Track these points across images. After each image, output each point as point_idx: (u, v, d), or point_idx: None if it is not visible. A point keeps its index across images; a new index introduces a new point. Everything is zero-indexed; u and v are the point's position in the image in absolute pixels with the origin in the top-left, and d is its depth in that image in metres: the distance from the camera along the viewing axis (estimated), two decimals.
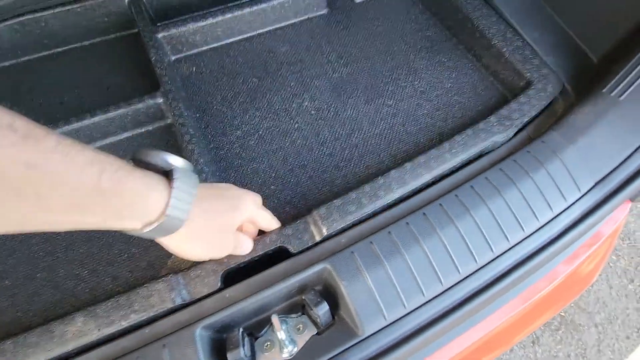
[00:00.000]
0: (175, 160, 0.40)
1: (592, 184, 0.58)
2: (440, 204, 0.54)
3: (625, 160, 0.58)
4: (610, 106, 0.59)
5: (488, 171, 0.58)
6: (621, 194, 0.57)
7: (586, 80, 0.66)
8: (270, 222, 0.52)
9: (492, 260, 0.52)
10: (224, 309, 0.47)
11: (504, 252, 0.53)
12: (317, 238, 0.53)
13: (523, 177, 0.56)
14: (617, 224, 0.66)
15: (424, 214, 0.53)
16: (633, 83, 0.57)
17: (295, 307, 0.52)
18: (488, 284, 0.51)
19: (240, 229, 0.50)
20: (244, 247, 0.50)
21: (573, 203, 0.57)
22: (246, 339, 0.47)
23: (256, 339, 0.48)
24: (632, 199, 0.69)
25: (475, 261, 0.51)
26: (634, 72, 0.57)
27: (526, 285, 0.57)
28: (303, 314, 0.51)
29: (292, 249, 0.52)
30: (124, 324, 0.46)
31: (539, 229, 0.54)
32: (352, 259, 0.49)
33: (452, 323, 0.48)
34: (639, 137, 0.57)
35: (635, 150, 0.57)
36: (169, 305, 0.47)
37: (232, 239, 0.47)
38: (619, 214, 0.66)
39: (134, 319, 0.46)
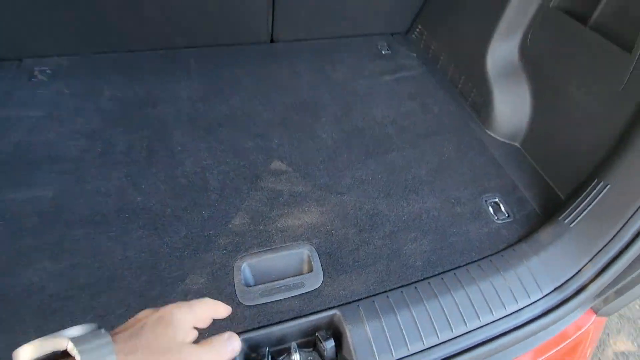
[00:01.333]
0: (73, 332, 0.34)
1: (552, 288, 0.74)
2: (429, 283, 0.73)
3: (576, 273, 0.75)
4: (565, 231, 0.78)
5: (469, 265, 0.76)
6: (576, 299, 0.73)
7: (553, 209, 0.87)
8: (215, 310, 0.47)
9: (465, 333, 0.67)
10: (258, 328, 0.65)
11: (476, 329, 0.68)
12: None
13: (495, 274, 0.74)
14: (583, 331, 0.79)
15: (415, 287, 0.72)
16: (579, 216, 0.77)
17: (309, 343, 0.68)
18: (460, 351, 0.66)
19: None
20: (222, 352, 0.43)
21: (535, 301, 0.73)
22: (269, 357, 0.63)
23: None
24: (596, 312, 0.83)
25: (452, 331, 0.67)
26: (578, 209, 0.78)
27: None
28: (314, 350, 0.68)
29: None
30: None
31: (506, 316, 0.70)
32: (357, 310, 0.67)
33: None
34: (585, 255, 0.75)
35: (583, 267, 0.75)
36: None
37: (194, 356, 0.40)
38: (583, 321, 0.80)
39: None
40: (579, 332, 0.80)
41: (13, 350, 0.58)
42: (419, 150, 1.03)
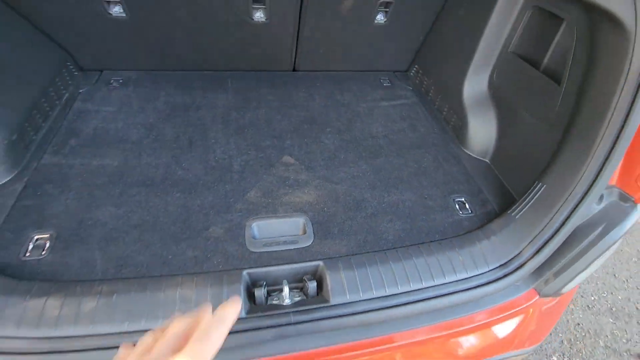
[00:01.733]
0: None
1: (497, 265, 0.93)
2: (397, 251, 0.92)
3: (518, 254, 0.93)
4: (511, 221, 0.98)
5: (431, 242, 0.96)
6: (516, 274, 0.91)
7: (508, 205, 1.07)
8: (227, 321, 0.41)
9: (420, 289, 0.86)
10: (259, 267, 0.86)
11: (429, 287, 0.87)
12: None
13: (452, 250, 0.93)
14: (524, 306, 0.95)
15: (385, 253, 0.91)
16: (522, 209, 0.97)
17: (297, 288, 0.88)
18: (415, 301, 0.84)
19: None
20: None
21: (482, 273, 0.91)
22: (265, 289, 0.84)
23: (270, 294, 0.84)
24: (539, 292, 1.00)
25: (410, 285, 0.85)
26: (523, 204, 0.98)
27: (443, 318, 0.88)
28: (301, 290, 0.87)
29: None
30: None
31: (455, 281, 0.89)
32: (337, 263, 0.88)
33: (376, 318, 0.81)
34: (526, 239, 0.94)
35: (523, 248, 0.93)
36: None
37: None
38: (527, 299, 0.96)
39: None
40: (521, 307, 0.96)
41: (84, 264, 0.82)
42: (403, 158, 1.26)
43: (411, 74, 1.73)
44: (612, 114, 0.83)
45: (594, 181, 0.87)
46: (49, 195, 0.97)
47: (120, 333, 0.72)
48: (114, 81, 1.41)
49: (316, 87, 1.58)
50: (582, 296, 2.07)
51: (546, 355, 1.81)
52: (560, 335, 1.88)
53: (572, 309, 2.00)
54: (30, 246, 0.86)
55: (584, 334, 1.90)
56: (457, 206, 1.12)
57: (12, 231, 0.88)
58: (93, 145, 1.14)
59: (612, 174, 0.90)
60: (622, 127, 0.82)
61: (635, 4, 0.77)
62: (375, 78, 1.69)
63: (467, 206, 1.12)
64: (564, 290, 0.99)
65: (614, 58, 0.83)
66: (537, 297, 0.99)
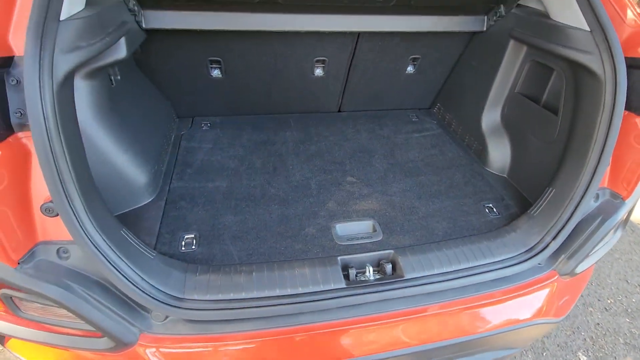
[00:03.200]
0: None
1: (523, 250, 1.23)
2: (445, 242, 1.24)
3: (539, 241, 1.24)
4: (531, 218, 1.29)
5: (470, 236, 1.28)
6: (539, 255, 1.21)
7: (527, 210, 1.38)
8: None
9: (466, 268, 1.16)
10: (347, 254, 1.18)
11: (474, 266, 1.17)
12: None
13: (487, 240, 1.24)
14: (548, 282, 1.24)
15: (437, 243, 1.23)
16: (539, 209, 1.29)
17: (376, 270, 1.19)
18: (460, 277, 1.14)
19: None
20: None
21: (512, 257, 1.21)
22: (355, 270, 1.14)
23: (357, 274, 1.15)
24: (559, 272, 1.29)
25: (459, 264, 1.16)
26: (539, 204, 1.29)
27: (485, 289, 1.17)
28: (379, 272, 1.18)
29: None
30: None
31: (491, 262, 1.18)
32: (404, 251, 1.19)
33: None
34: (544, 230, 1.24)
35: (542, 237, 1.23)
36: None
37: None
38: (549, 277, 1.25)
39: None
40: (545, 282, 1.25)
41: (225, 253, 1.16)
42: (438, 176, 1.60)
43: (434, 110, 2.12)
44: (597, 135, 1.17)
45: (589, 184, 1.20)
46: (185, 209, 1.32)
47: (261, 298, 1.03)
48: (204, 125, 1.81)
49: (360, 124, 1.97)
50: (599, 300, 2.30)
51: (572, 351, 2.02)
52: (582, 333, 2.10)
53: (591, 311, 2.23)
54: (184, 243, 1.19)
55: (604, 332, 2.11)
56: (486, 210, 1.44)
57: (169, 233, 1.22)
58: (204, 173, 1.50)
59: (603, 179, 1.23)
60: (604, 144, 1.16)
61: (602, 60, 1.14)
62: (405, 115, 2.08)
63: (494, 210, 1.44)
64: (578, 270, 1.28)
65: (593, 96, 1.19)
66: (557, 276, 1.28)
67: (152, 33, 1.36)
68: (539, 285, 1.24)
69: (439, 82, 2.01)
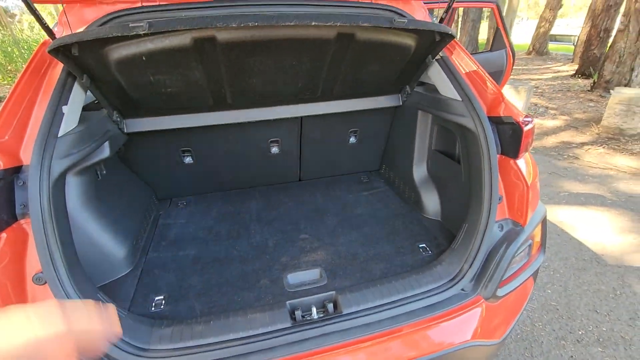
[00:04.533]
0: None
1: (448, 279, 1.44)
2: (382, 281, 1.45)
3: (459, 270, 1.45)
4: (453, 251, 1.52)
5: (404, 273, 1.49)
6: (457, 285, 1.41)
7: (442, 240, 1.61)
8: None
9: (402, 298, 1.35)
10: (296, 299, 1.38)
11: (407, 297, 1.36)
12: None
13: (418, 274, 1.45)
14: (473, 307, 1.41)
15: (374, 282, 1.44)
16: (458, 241, 1.52)
17: (321, 310, 1.37)
18: (398, 306, 1.33)
19: None
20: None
21: (439, 286, 1.41)
22: (300, 312, 1.33)
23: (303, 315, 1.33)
24: (484, 297, 1.47)
25: (396, 295, 1.35)
26: (458, 237, 1.53)
27: (417, 317, 1.34)
28: (323, 311, 1.37)
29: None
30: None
31: (422, 292, 1.38)
32: (345, 292, 1.39)
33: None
34: (462, 260, 1.46)
35: (462, 266, 1.45)
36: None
37: None
38: (474, 303, 1.43)
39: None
40: (471, 307, 1.42)
41: (188, 309, 1.38)
42: (380, 226, 1.86)
43: (382, 171, 2.46)
44: (484, 177, 1.47)
45: (488, 217, 1.46)
46: (157, 275, 1.54)
47: (216, 342, 1.20)
48: (180, 204, 2.11)
49: (317, 189, 2.27)
50: (570, 332, 2.37)
51: None
52: None
53: (564, 344, 2.28)
54: (154, 304, 1.39)
55: None
56: (420, 249, 1.67)
57: (141, 297, 1.42)
58: (177, 244, 1.75)
59: (503, 211, 1.49)
60: (491, 184, 1.45)
61: (473, 120, 1.49)
62: (357, 177, 2.41)
63: (427, 249, 1.67)
64: (499, 293, 1.46)
65: (475, 148, 1.51)
66: (482, 300, 1.46)
67: (132, 134, 1.73)
68: (466, 310, 1.41)
69: (380, 147, 2.38)
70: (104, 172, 1.55)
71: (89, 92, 1.38)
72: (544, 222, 1.63)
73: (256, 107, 1.81)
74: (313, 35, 1.36)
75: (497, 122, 1.50)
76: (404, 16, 1.63)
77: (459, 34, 10.70)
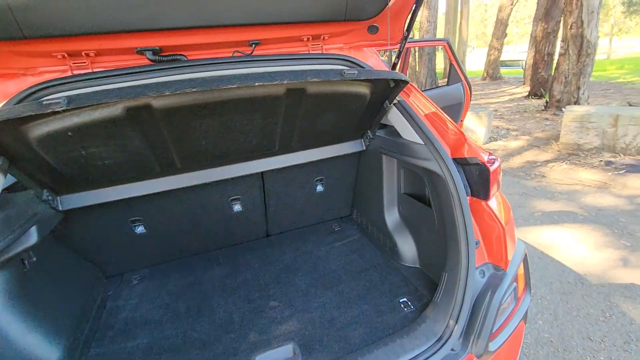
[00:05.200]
0: None
1: (435, 339, 1.29)
2: (361, 350, 1.28)
3: (446, 327, 1.31)
4: (436, 305, 1.39)
5: (387, 337, 1.34)
6: (446, 346, 1.27)
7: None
8: None
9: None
10: None
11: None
12: None
13: (402, 338, 1.31)
14: None
15: (355, 352, 1.27)
16: (440, 293, 1.40)
17: None
18: None
19: None
20: None
21: (427, 349, 1.27)
22: None
23: None
24: (476, 355, 1.33)
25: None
26: (440, 289, 1.41)
27: None
28: None
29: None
30: None
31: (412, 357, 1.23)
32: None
33: None
34: (447, 317, 1.33)
35: (448, 322, 1.32)
36: None
37: None
38: None
39: None
40: None
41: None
42: (357, 280, 1.72)
43: (353, 216, 2.35)
44: (458, 220, 1.38)
45: (468, 264, 1.35)
46: None
47: None
48: (134, 279, 1.89)
49: (285, 244, 2.12)
50: None
51: None
52: None
53: None
54: None
55: None
56: (402, 306, 1.53)
57: None
58: (126, 332, 1.52)
59: (483, 256, 1.40)
60: (466, 230, 1.36)
61: (439, 163, 1.42)
62: (329, 226, 2.28)
63: (409, 303, 1.53)
64: (491, 348, 1.33)
65: (444, 191, 1.44)
66: (474, 358, 1.32)
67: (71, 211, 1.54)
68: None
69: (349, 193, 2.29)
70: (34, 259, 1.35)
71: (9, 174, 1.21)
72: (525, 260, 1.54)
73: (210, 168, 1.68)
74: (261, 93, 1.28)
75: (462, 163, 1.44)
76: (358, 64, 1.61)
77: (417, 66, 11.28)
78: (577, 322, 2.56)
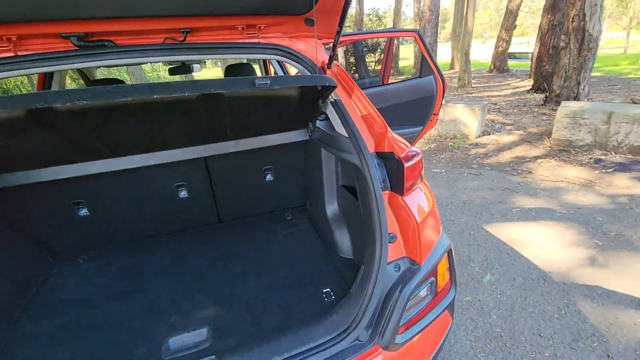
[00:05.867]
0: None
1: (342, 329, 1.33)
2: (279, 336, 1.33)
3: (354, 318, 1.34)
4: (350, 297, 1.42)
5: (303, 327, 1.37)
6: (350, 335, 1.30)
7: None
8: None
9: (297, 353, 1.23)
10: None
11: (302, 351, 1.23)
12: None
13: (316, 325, 1.34)
14: (373, 357, 1.30)
15: (268, 339, 1.31)
16: (355, 286, 1.42)
17: None
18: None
19: None
20: None
21: (333, 337, 1.30)
22: None
23: None
24: (382, 347, 1.36)
25: (288, 353, 1.23)
26: (355, 282, 1.44)
27: None
28: None
29: None
30: None
31: (317, 345, 1.26)
32: (230, 353, 1.26)
33: None
34: (357, 309, 1.36)
35: (357, 313, 1.34)
36: None
37: None
38: (373, 352, 1.31)
39: None
40: (369, 357, 1.31)
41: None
42: (290, 270, 1.76)
43: (307, 207, 2.38)
44: (374, 213, 1.40)
45: (380, 258, 1.37)
46: (13, 351, 1.37)
47: None
48: (80, 259, 1.95)
49: (235, 231, 2.16)
50: None
51: None
52: None
53: None
54: None
55: None
56: (323, 296, 1.56)
57: None
58: (56, 310, 1.60)
59: (400, 249, 1.41)
60: (380, 223, 1.37)
61: (359, 156, 1.42)
62: (281, 215, 2.31)
63: (331, 293, 1.57)
64: (398, 340, 1.36)
65: (363, 184, 1.45)
66: (380, 349, 1.35)
67: (5, 190, 1.59)
68: None
69: (300, 183, 2.31)
70: None
71: None
72: (450, 255, 1.56)
73: (144, 153, 1.71)
74: (173, 98, 1.29)
75: (384, 157, 1.45)
76: (294, 54, 1.60)
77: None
78: (530, 319, 2.57)
